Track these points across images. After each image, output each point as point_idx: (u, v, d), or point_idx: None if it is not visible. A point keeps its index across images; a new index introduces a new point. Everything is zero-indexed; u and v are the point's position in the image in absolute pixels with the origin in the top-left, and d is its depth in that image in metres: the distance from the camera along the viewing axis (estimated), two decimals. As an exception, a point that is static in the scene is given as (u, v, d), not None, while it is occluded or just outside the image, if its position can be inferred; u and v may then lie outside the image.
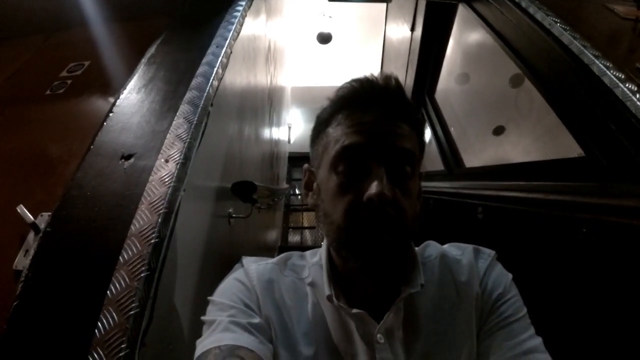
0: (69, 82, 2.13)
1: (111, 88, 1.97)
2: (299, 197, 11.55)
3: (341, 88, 1.00)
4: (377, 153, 0.89)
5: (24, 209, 1.30)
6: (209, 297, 1.00)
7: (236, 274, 1.06)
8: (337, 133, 0.94)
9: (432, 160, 4.52)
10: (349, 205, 0.88)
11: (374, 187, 0.84)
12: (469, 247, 1.11)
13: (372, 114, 0.92)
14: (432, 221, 3.89)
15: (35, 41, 2.64)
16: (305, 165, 1.09)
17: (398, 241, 0.89)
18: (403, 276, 0.98)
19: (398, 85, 0.97)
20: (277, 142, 6.46)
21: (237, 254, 2.61)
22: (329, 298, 0.93)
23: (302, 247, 9.59)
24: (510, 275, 1.05)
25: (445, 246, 1.15)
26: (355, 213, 0.87)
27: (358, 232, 0.87)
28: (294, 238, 10.67)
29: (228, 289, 1.01)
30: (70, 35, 2.67)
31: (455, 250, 1.11)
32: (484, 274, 1.04)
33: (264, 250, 4.78)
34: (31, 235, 1.32)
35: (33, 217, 1.32)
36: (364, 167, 0.89)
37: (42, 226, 1.30)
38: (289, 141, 10.21)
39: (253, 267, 1.06)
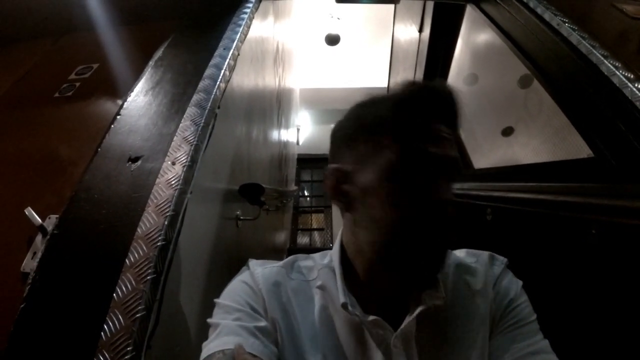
0: (78, 84, 2.14)
1: (119, 90, 1.98)
2: (308, 198, 11.55)
3: (424, 93, 0.95)
4: (445, 162, 0.90)
5: (32, 212, 1.31)
6: (215, 300, 0.99)
7: (242, 277, 1.04)
8: (409, 137, 0.90)
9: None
10: (424, 207, 0.88)
11: (446, 192, 0.89)
12: (484, 254, 1.10)
13: (446, 125, 0.93)
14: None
15: (44, 44, 2.66)
16: (334, 166, 0.99)
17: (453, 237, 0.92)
18: (420, 283, 0.97)
19: (457, 96, 0.96)
20: (285, 144, 6.46)
21: (245, 256, 2.61)
22: (344, 306, 0.91)
23: (310, 249, 9.59)
24: (520, 282, 1.05)
25: (460, 253, 1.13)
26: (427, 214, 0.87)
27: (432, 232, 0.88)
28: (302, 240, 10.64)
29: (234, 292, 1.00)
30: (79, 38, 2.69)
31: (470, 257, 1.10)
32: (497, 279, 1.03)
33: (273, 252, 4.78)
34: (39, 237, 1.32)
35: (42, 219, 1.33)
36: (434, 172, 0.89)
37: (49, 228, 1.31)
38: (297, 143, 10.21)
39: (259, 270, 1.04)
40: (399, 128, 0.91)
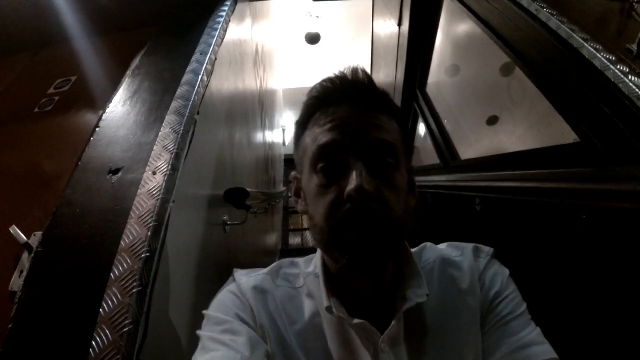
0: (57, 98, 2.13)
1: (99, 101, 1.97)
2: (297, 200, 11.58)
3: (313, 89, 0.99)
4: (354, 147, 0.86)
5: (17, 230, 1.30)
6: (204, 312, 0.98)
7: (229, 287, 1.03)
8: (313, 134, 0.93)
9: (428, 154, 4.50)
10: (330, 204, 0.85)
11: (353, 182, 0.81)
12: (468, 247, 1.08)
13: (346, 109, 0.91)
14: (431, 215, 3.87)
15: (22, 59, 2.65)
16: (293, 173, 1.08)
17: (385, 234, 0.84)
18: (403, 282, 0.96)
19: (368, 77, 0.95)
20: (271, 146, 6.46)
21: (235, 261, 2.60)
22: (329, 310, 0.90)
23: (303, 249, 9.59)
24: (507, 272, 1.03)
25: (444, 247, 1.12)
26: (336, 211, 0.84)
27: (341, 231, 0.84)
28: (294, 240, 10.66)
29: (222, 303, 0.99)
30: (57, 51, 2.68)
31: (455, 251, 1.09)
32: (482, 273, 1.01)
33: (264, 255, 4.77)
34: (25, 255, 1.31)
35: (28, 236, 1.31)
36: (342, 163, 0.86)
37: (35, 246, 1.29)
38: (283, 144, 10.22)
39: (244, 279, 1.03)
40: (312, 125, 0.96)
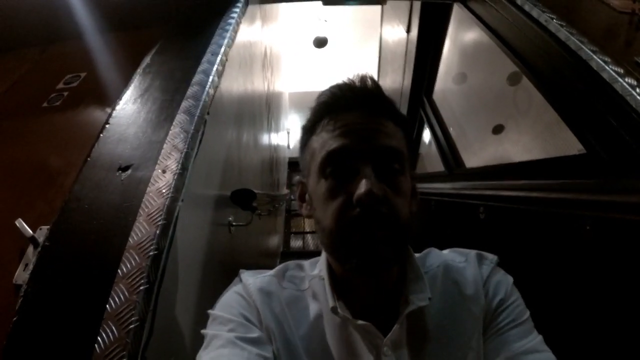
0: (66, 93, 2.13)
1: (108, 98, 1.97)
2: (300, 203, 11.56)
3: (321, 95, 0.99)
4: (363, 153, 0.87)
5: (23, 223, 1.29)
6: (209, 311, 0.98)
7: (235, 288, 1.03)
8: (321, 139, 0.93)
9: (433, 162, 4.51)
10: (339, 208, 0.85)
11: (362, 187, 0.81)
12: (471, 253, 1.08)
13: (354, 115, 0.91)
14: (435, 222, 3.87)
15: (32, 54, 2.64)
16: (297, 177, 1.09)
17: (393, 237, 0.85)
18: (406, 286, 0.96)
19: (376, 84, 0.96)
20: (276, 148, 6.46)
21: (238, 262, 2.61)
22: (334, 310, 0.90)
23: (304, 252, 9.57)
24: (511, 279, 1.03)
25: (448, 253, 1.12)
26: (345, 215, 0.85)
27: (350, 234, 0.84)
28: (296, 243, 10.61)
29: (228, 303, 0.99)
30: (67, 47, 2.68)
31: (459, 256, 1.09)
32: (486, 280, 1.01)
33: (266, 257, 4.77)
34: (30, 249, 1.31)
35: (33, 229, 1.31)
36: (351, 168, 0.87)
37: (41, 240, 1.29)
38: (288, 146, 10.22)
39: (251, 280, 1.03)
40: (319, 130, 0.96)
